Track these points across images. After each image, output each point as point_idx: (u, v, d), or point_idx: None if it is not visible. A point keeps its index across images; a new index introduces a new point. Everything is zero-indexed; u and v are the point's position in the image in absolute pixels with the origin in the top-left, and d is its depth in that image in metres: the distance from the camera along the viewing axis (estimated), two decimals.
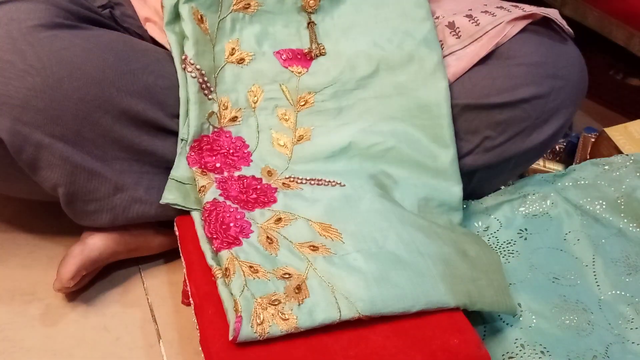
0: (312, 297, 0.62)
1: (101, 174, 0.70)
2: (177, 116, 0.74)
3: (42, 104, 0.64)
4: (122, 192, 0.72)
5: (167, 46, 0.78)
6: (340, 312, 0.62)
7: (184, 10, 0.74)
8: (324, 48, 0.80)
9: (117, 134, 0.70)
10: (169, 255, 0.82)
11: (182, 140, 0.74)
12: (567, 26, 0.81)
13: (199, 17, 0.76)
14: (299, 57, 0.80)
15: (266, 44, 0.79)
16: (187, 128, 0.74)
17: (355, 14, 0.82)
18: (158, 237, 0.80)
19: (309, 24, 0.81)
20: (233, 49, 0.78)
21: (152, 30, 0.79)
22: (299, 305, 0.61)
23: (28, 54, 0.64)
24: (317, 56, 0.80)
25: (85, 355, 0.72)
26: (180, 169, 0.73)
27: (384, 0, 0.83)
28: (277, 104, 0.79)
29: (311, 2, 0.80)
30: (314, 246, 0.68)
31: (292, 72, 0.80)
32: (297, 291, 0.63)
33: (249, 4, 0.78)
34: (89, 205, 0.72)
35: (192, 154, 0.73)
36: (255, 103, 0.78)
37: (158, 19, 0.79)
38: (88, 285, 0.78)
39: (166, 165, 0.74)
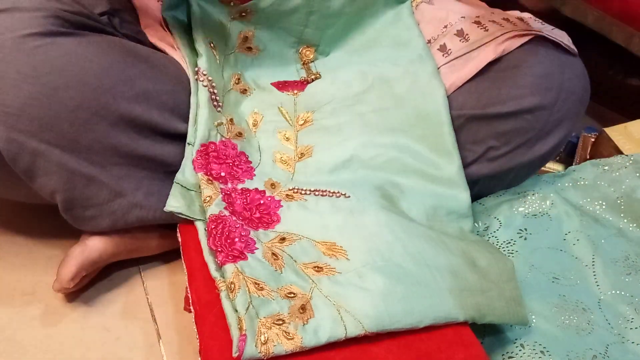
0: (317, 317, 0.61)
1: (99, 179, 0.70)
2: (177, 120, 0.74)
3: (37, 112, 0.64)
4: (121, 198, 0.72)
5: (167, 51, 0.78)
6: (346, 329, 0.61)
7: (198, 34, 0.76)
8: (319, 74, 0.83)
9: (114, 140, 0.69)
10: (169, 256, 0.82)
11: (189, 144, 0.74)
12: (572, 46, 0.81)
13: (211, 44, 0.77)
14: (296, 84, 0.83)
15: (265, 79, 0.82)
16: (195, 132, 0.74)
17: (351, 54, 0.85)
18: (158, 238, 0.80)
19: (304, 63, 0.84)
20: (238, 79, 0.81)
21: (152, 37, 0.79)
22: (304, 325, 0.60)
23: (23, 62, 0.63)
24: (312, 80, 0.83)
25: (85, 355, 0.72)
26: (186, 173, 0.73)
27: (376, 39, 0.85)
28: (277, 125, 0.80)
29: (308, 53, 0.84)
30: (318, 267, 0.67)
31: (289, 94, 0.81)
32: (301, 311, 0.62)
33: (250, 47, 0.81)
34: (88, 211, 0.71)
35: (199, 158, 0.73)
36: (255, 126, 0.79)
37: (159, 27, 0.80)
38: (88, 286, 0.78)
39: (165, 170, 0.74)
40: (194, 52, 0.77)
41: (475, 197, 0.83)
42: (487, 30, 0.81)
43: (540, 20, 0.83)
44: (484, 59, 0.79)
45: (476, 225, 0.83)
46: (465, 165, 0.80)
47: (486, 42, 0.79)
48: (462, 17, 0.84)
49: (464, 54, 0.81)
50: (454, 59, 0.81)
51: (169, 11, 0.80)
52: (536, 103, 0.77)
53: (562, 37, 0.80)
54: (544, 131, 0.79)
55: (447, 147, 0.79)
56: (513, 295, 0.69)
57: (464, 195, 0.79)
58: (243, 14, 0.79)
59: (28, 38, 0.64)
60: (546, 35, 0.79)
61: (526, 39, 0.79)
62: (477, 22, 0.82)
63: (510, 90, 0.78)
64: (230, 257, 0.65)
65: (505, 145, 0.80)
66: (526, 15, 0.84)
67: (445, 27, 0.84)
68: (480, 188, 0.84)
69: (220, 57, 0.79)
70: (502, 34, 0.79)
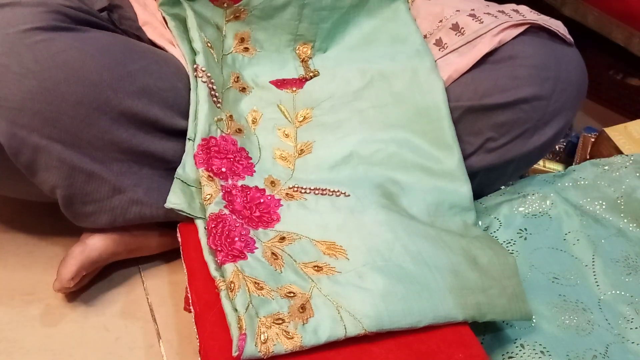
0: (317, 316, 0.61)
1: (100, 175, 0.70)
2: (177, 117, 0.74)
3: (39, 107, 0.64)
4: (121, 194, 0.72)
5: (166, 48, 0.78)
6: (345, 329, 0.61)
7: (195, 34, 0.76)
8: (317, 71, 0.83)
9: (115, 136, 0.69)
10: (169, 255, 0.82)
11: (189, 139, 0.74)
12: (568, 35, 0.81)
13: (208, 44, 0.78)
14: (294, 81, 0.83)
15: (264, 77, 0.83)
16: (195, 127, 0.74)
17: (349, 51, 0.85)
18: (158, 237, 0.80)
19: (303, 60, 0.84)
20: (237, 77, 0.81)
21: (151, 34, 0.79)
22: (304, 324, 0.60)
23: (24, 57, 0.64)
24: (311, 78, 0.83)
25: (85, 355, 0.72)
26: (187, 168, 0.73)
27: (373, 36, 0.86)
28: (277, 123, 0.80)
29: (305, 50, 0.84)
30: (317, 266, 0.67)
31: (287, 92, 0.82)
32: (301, 310, 0.62)
33: (247, 47, 0.82)
34: (88, 207, 0.72)
35: (200, 152, 0.73)
36: (254, 124, 0.79)
37: (157, 24, 0.80)
38: (88, 285, 0.78)
39: (165, 167, 0.74)
40: (193, 49, 0.78)
41: (476, 191, 0.83)
42: (482, 22, 0.80)
43: (536, 12, 0.83)
44: (480, 51, 0.79)
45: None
46: (464, 157, 0.80)
47: (481, 34, 0.79)
48: (456, 10, 0.84)
49: (460, 46, 0.81)
50: (450, 52, 0.82)
51: (167, 11, 0.80)
52: (533, 93, 0.77)
53: (558, 26, 0.80)
54: (542, 121, 0.79)
55: (447, 141, 0.79)
56: (516, 291, 0.68)
57: (465, 188, 0.79)
58: (237, 14, 0.80)
59: (30, 33, 0.64)
60: (542, 24, 0.79)
61: (522, 29, 0.79)
62: (472, 15, 0.82)
63: (507, 80, 0.78)
64: (230, 257, 0.65)
65: (503, 136, 0.80)
66: (522, 7, 0.84)
67: (441, 21, 0.84)
68: (481, 181, 0.84)
69: (217, 56, 0.79)
70: (497, 26, 0.79)
